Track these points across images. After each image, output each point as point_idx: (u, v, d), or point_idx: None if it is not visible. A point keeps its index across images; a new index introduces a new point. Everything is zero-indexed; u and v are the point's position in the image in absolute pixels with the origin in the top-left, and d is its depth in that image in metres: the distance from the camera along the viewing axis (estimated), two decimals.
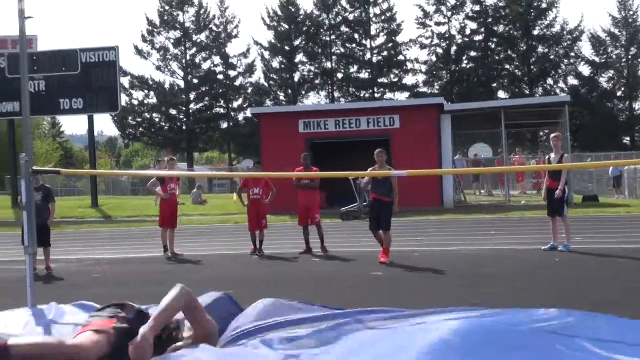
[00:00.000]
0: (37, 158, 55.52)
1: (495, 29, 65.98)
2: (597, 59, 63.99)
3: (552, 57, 64.91)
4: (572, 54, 65.02)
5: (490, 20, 65.93)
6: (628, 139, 61.58)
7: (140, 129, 68.27)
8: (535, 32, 64.74)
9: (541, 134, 54.19)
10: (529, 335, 3.71)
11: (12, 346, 4.42)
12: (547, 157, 16.96)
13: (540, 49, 65.06)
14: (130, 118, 66.25)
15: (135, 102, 66.55)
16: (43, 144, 75.23)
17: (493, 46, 66.44)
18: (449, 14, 66.47)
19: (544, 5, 64.44)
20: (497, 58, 66.29)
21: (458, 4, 66.12)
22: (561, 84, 64.82)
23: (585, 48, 62.94)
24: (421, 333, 3.87)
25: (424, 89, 65.99)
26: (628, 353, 3.52)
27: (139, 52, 66.81)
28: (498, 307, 8.79)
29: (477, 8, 66.22)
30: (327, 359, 3.53)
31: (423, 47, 66.97)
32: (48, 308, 5.37)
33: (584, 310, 5.29)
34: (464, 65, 66.54)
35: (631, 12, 62.93)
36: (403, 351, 3.43)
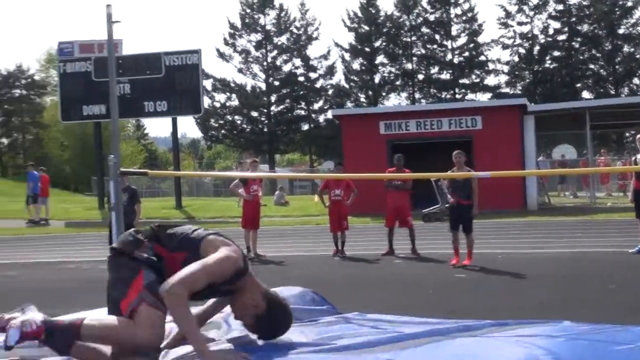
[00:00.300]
0: (123, 160, 56.17)
1: (579, 28, 64.93)
2: None
3: (638, 56, 63.51)
4: None
5: (573, 19, 64.89)
6: None
7: (222, 131, 68.81)
8: (621, 31, 63.54)
9: (627, 134, 53.08)
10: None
11: (85, 325, 4.50)
12: (634, 158, 16.56)
13: (625, 48, 63.82)
14: (212, 120, 66.86)
15: (218, 105, 67.19)
16: (128, 145, 76.35)
17: (577, 46, 65.36)
18: (531, 13, 65.74)
19: (630, 4, 63.16)
20: (580, 58, 65.19)
21: (540, 3, 65.32)
22: None
23: None
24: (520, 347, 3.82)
25: (506, 90, 65.24)
26: None
27: (221, 55, 67.40)
28: (584, 313, 8.66)
29: (560, 7, 65.26)
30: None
31: (505, 47, 66.32)
32: None
33: None
34: (547, 65, 65.65)
35: None
36: None
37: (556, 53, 65.79)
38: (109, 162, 5.70)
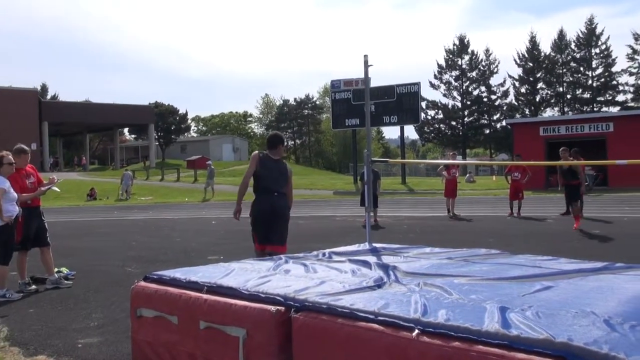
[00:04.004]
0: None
1: None
2: None
3: None
4: None
5: None
6: None
7: (432, 134, 68.40)
8: None
9: None
10: None
11: None
12: None
13: None
14: (425, 127, 66.44)
15: (429, 117, 66.62)
16: (372, 144, 77.51)
17: None
18: None
19: None
20: None
21: None
22: None
23: None
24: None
25: (632, 104, 60.00)
26: None
27: (432, 85, 66.77)
28: None
29: None
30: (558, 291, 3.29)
31: (632, 74, 60.92)
32: (380, 246, 5.50)
33: None
34: None
35: None
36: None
37: None
38: (364, 154, 5.78)
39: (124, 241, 12.58)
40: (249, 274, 3.84)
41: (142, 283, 3.95)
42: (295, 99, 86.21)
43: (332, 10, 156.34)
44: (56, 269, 7.84)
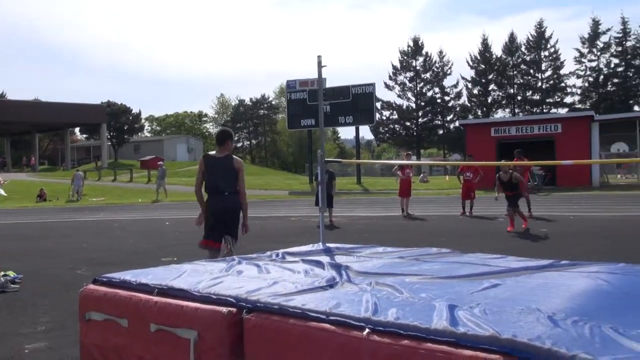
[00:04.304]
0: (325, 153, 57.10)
1: (633, 62, 60.55)
2: None
3: None
4: None
5: (629, 56, 60.67)
6: None
7: (387, 135, 69.04)
8: None
9: None
10: None
11: None
12: None
13: None
14: (380, 127, 67.03)
15: (384, 118, 67.26)
16: (327, 144, 77.74)
17: (630, 74, 60.99)
18: (599, 53, 61.88)
19: None
20: (633, 83, 60.92)
21: (605, 46, 61.57)
22: None
23: None
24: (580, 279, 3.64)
25: (579, 105, 61.92)
26: None
27: (387, 86, 67.46)
28: (635, 258, 8.08)
29: (619, 49, 61.17)
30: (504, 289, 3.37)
31: (579, 77, 62.91)
32: (334, 246, 5.53)
33: None
34: (608, 89, 61.72)
35: None
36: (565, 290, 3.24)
37: (615, 80, 61.69)
38: (318, 154, 5.79)
39: (75, 243, 12.31)
40: (201, 276, 3.80)
41: (91, 286, 3.87)
42: (251, 99, 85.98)
43: (289, 10, 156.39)
44: (2, 273, 7.62)
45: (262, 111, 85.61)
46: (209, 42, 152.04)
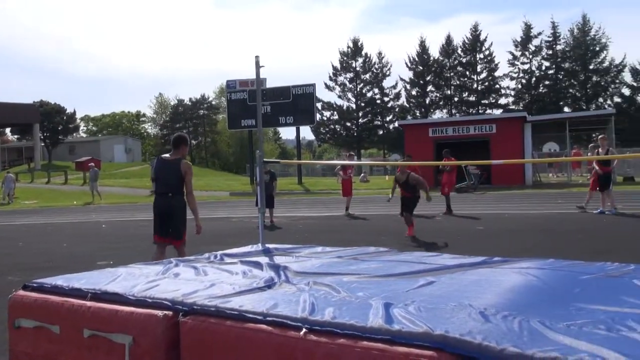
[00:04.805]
0: (265, 154, 56.92)
1: (563, 65, 62.89)
2: (635, 84, 60.00)
3: (602, 83, 61.32)
4: (617, 81, 61.31)
5: (559, 59, 62.98)
6: None
7: (327, 135, 69.41)
8: (591, 67, 61.32)
9: (593, 135, 51.37)
10: (592, 279, 3.52)
11: None
12: (596, 151, 16.13)
13: (594, 78, 61.68)
14: (321, 128, 67.33)
15: (325, 118, 67.57)
16: (268, 145, 77.53)
17: (561, 77, 63.37)
18: (531, 56, 63.98)
19: (597, 49, 61.11)
20: (563, 85, 63.32)
21: (537, 49, 63.70)
22: (608, 102, 61.10)
23: (627, 76, 59.15)
24: (510, 275, 3.76)
25: (513, 107, 63.86)
26: None
27: (327, 86, 67.84)
28: (562, 253, 8.40)
29: (550, 52, 63.46)
30: (440, 286, 3.45)
31: (512, 78, 64.85)
32: (273, 246, 5.52)
33: (628, 255, 5.00)
34: (540, 91, 63.87)
35: None
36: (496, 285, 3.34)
37: (547, 82, 63.91)
38: (257, 155, 5.78)
39: (6, 248, 11.86)
40: (136, 279, 3.73)
41: (21, 292, 3.74)
42: (190, 99, 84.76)
43: (231, 11, 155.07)
44: None
45: (202, 111, 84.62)
46: (148, 41, 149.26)
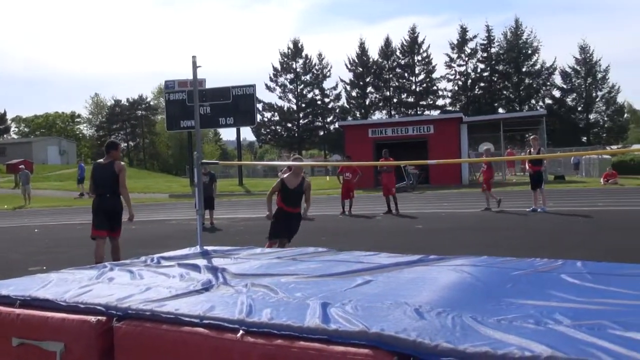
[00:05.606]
0: (205, 155, 56.33)
1: (497, 67, 64.69)
2: (565, 86, 62.44)
3: (534, 85, 63.47)
4: (548, 83, 63.61)
5: (493, 62, 64.74)
6: (585, 138, 59.73)
7: (269, 136, 69.22)
8: (524, 69, 63.35)
9: (527, 136, 53.06)
10: (524, 274, 3.63)
11: None
12: (528, 151, 16.69)
13: (527, 80, 63.74)
14: (262, 129, 67.08)
15: (265, 119, 67.35)
16: (209, 146, 76.61)
17: (495, 79, 65.19)
18: (467, 59, 65.47)
19: (530, 52, 63.15)
20: (498, 87, 65.16)
21: (472, 52, 65.19)
22: (540, 103, 63.26)
23: (557, 79, 61.36)
24: (446, 273, 3.83)
25: (450, 108, 65.26)
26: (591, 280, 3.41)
27: (268, 87, 67.59)
28: (497, 251, 8.64)
29: (485, 55, 65.13)
30: (377, 285, 3.49)
31: (449, 80, 66.24)
32: (212, 249, 5.45)
33: (558, 251, 5.18)
34: (476, 92, 65.49)
35: (588, 54, 61.28)
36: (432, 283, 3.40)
37: (482, 84, 65.57)
38: (195, 156, 5.71)
39: None
40: (68, 285, 3.62)
41: None
42: (128, 100, 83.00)
43: (169, 10, 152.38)
44: None
45: (140, 112, 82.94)
46: (83, 40, 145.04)
